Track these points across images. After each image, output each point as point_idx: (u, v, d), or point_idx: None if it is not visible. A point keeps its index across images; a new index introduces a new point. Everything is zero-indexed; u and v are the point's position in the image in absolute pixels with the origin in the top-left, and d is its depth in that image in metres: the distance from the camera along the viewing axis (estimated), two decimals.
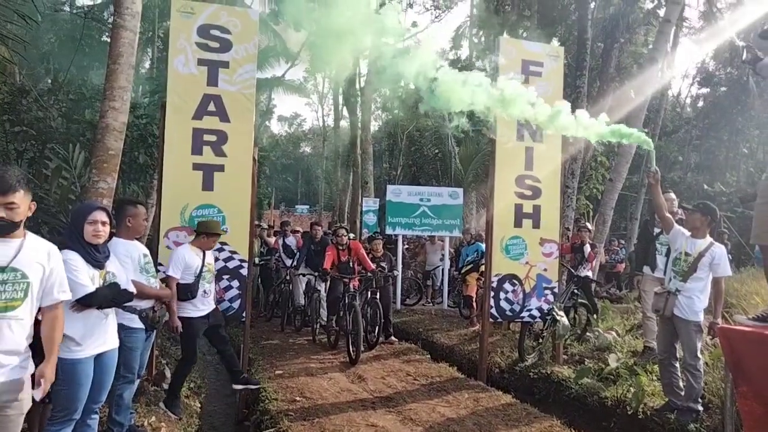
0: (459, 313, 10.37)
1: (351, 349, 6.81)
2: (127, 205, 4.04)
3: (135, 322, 3.79)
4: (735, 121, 25.63)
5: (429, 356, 7.37)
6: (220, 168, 5.43)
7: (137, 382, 4.15)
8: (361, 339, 6.85)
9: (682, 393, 4.70)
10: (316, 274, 8.56)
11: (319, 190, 41.44)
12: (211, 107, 5.40)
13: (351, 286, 7.39)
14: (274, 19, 23.04)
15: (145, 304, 3.85)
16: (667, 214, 4.92)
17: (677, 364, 4.80)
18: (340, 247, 7.82)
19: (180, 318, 4.52)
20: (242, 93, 5.51)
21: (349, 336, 6.93)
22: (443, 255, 12.05)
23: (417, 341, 8.60)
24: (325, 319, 8.23)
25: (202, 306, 4.72)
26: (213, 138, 5.41)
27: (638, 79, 11.53)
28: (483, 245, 8.34)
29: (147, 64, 16.74)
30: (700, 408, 4.61)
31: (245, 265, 5.55)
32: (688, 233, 4.77)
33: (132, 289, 3.48)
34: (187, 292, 4.60)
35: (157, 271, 4.45)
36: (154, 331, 4.16)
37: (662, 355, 4.89)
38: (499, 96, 3.93)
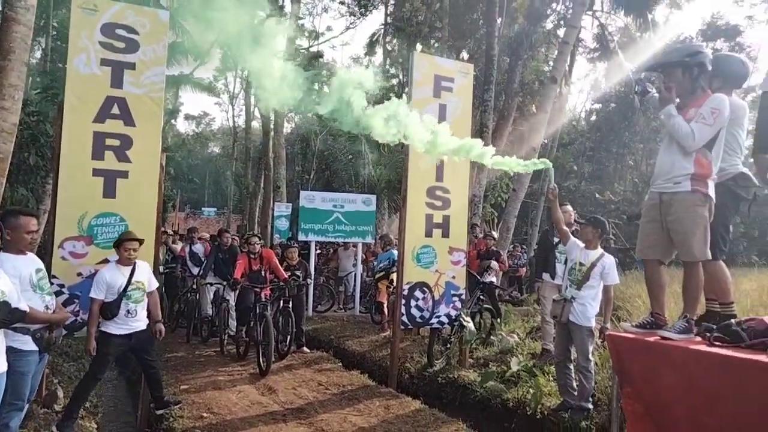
0: (371, 319, 10.50)
1: (261, 360, 6.69)
2: (7, 216, 3.65)
3: (28, 344, 3.48)
4: (622, 135, 28.03)
5: (341, 364, 7.40)
6: (124, 174, 5.13)
7: (26, 408, 3.83)
8: (272, 349, 6.75)
9: (576, 393, 5.07)
10: (225, 283, 8.31)
11: (228, 193, 40.13)
12: (115, 110, 5.09)
13: (262, 295, 7.27)
14: (182, 14, 22.07)
15: (39, 324, 3.56)
16: (564, 228, 5.30)
17: (572, 366, 5.18)
18: (252, 256, 7.66)
19: (99, 332, 4.40)
20: (149, 96, 5.25)
21: (260, 346, 6.81)
22: (356, 261, 12.15)
23: (329, 349, 8.60)
24: (234, 329, 8.02)
25: (124, 325, 4.55)
26: (116, 143, 5.10)
27: (540, 95, 12.32)
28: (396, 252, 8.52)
29: (38, 55, 15.42)
30: (591, 406, 5.01)
31: None
32: (582, 245, 5.17)
33: (24, 307, 3.21)
34: (108, 311, 4.43)
35: (51, 284, 4.15)
36: (48, 352, 3.87)
37: (558, 358, 5.26)
38: (430, 139, 4.05)
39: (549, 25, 17.50)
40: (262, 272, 7.61)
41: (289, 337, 7.57)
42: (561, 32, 15.29)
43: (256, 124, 26.18)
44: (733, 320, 3.19)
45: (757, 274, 11.97)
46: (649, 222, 3.47)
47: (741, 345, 2.96)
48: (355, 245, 12.23)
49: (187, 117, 47.89)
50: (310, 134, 24.04)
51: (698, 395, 3.04)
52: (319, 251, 14.34)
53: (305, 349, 8.11)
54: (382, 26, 23.02)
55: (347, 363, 7.59)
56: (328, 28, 29.87)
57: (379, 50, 25.58)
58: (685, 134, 3.22)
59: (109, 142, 5.08)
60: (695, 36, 26.11)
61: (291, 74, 3.68)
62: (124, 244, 4.58)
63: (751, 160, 3.47)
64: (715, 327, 3.16)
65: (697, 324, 3.38)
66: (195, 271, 9.42)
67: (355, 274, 12.09)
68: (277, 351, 7.30)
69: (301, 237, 11.43)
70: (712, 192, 3.28)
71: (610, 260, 5.07)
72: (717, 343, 3.05)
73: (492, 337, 7.85)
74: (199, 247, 9.76)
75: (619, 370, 3.58)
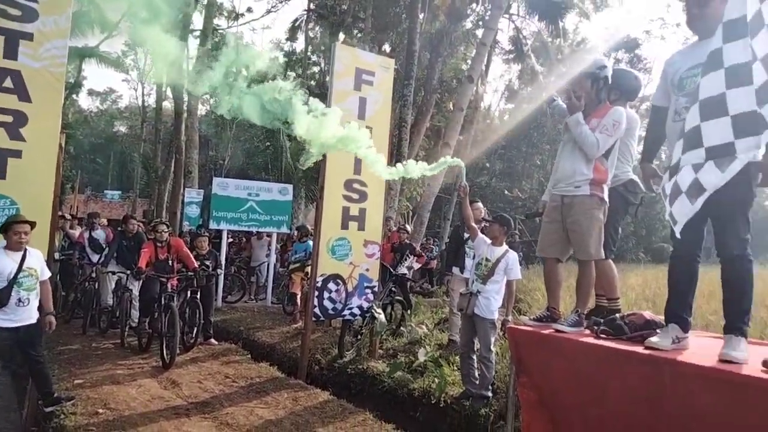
0: (283, 310, 10.38)
1: (165, 352, 6.44)
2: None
3: None
4: (532, 135, 29.46)
5: (249, 356, 7.27)
6: (17, 154, 4.71)
7: None
8: (176, 341, 6.51)
9: (477, 382, 5.32)
10: (129, 272, 7.89)
11: (134, 176, 37.90)
12: (8, 83, 4.65)
13: (169, 285, 6.98)
14: None
15: None
16: (473, 224, 5.51)
17: (474, 357, 5.42)
18: (159, 244, 7.33)
19: None
20: (49, 71, 4.84)
21: (164, 338, 6.55)
22: (270, 251, 11.94)
23: (238, 341, 8.42)
24: (137, 320, 7.64)
25: (15, 316, 4.23)
26: (8, 119, 4.67)
27: (458, 92, 12.65)
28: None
29: None
30: (490, 395, 5.28)
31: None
32: (489, 241, 5.40)
33: None
34: None
35: None
36: None
37: (463, 349, 5.49)
38: (342, 135, 3.95)
39: (469, 25, 18.02)
40: (170, 261, 7.31)
41: (195, 329, 7.33)
42: (480, 32, 15.82)
43: (167, 104, 24.91)
44: (617, 314, 3.48)
45: (642, 270, 13.12)
46: (550, 222, 3.70)
47: (623, 338, 3.24)
48: (269, 235, 12.02)
49: (91, 93, 44.58)
50: (226, 119, 23.22)
51: (586, 384, 3.29)
52: (231, 240, 13.95)
53: (213, 340, 7.89)
54: (305, 12, 22.64)
55: (257, 355, 7.47)
56: (249, 9, 28.73)
57: (301, 36, 25.15)
58: (591, 143, 3.46)
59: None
60: (600, 45, 27.96)
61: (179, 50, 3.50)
62: (13, 227, 4.23)
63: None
64: (602, 321, 3.44)
65: (587, 318, 3.65)
66: (95, 258, 8.86)
67: (268, 264, 11.88)
68: (182, 343, 7.06)
69: (213, 225, 11.06)
70: (606, 196, 3.55)
71: (513, 256, 5.35)
72: (603, 335, 3.31)
73: (402, 328, 8.03)
74: (100, 233, 9.17)
75: (517, 360, 3.80)
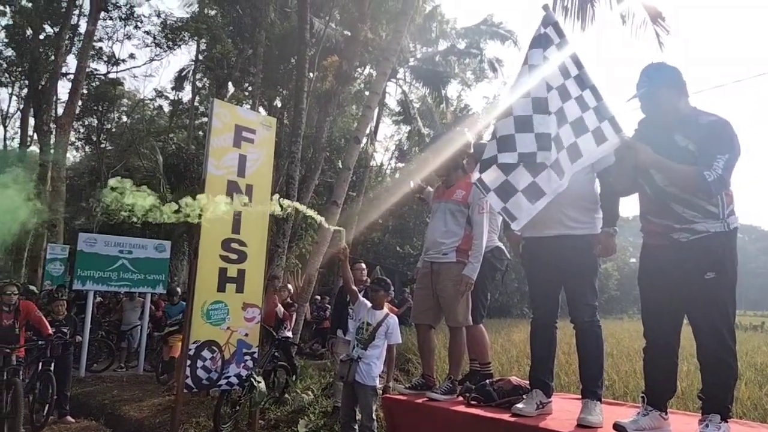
0: (156, 379, 9.52)
1: None
2: None
3: None
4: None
5: None
6: None
7: None
8: (20, 423, 5.70)
9: None
10: None
11: None
12: None
13: (13, 357, 6.14)
14: None
15: None
16: (353, 287, 5.45)
17: (356, 426, 5.24)
18: (6, 309, 6.49)
19: None
20: None
21: (5, 421, 5.70)
22: (143, 313, 11.02)
23: (101, 416, 7.54)
24: None
25: None
26: None
27: (345, 152, 12.87)
28: None
29: None
30: None
31: None
32: (369, 305, 5.36)
33: None
34: None
35: None
36: None
37: (344, 419, 5.28)
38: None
39: (357, 87, 18.67)
40: (15, 329, 6.47)
41: (48, 405, 6.49)
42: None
43: (35, 149, 22.89)
44: (487, 380, 3.55)
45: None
46: (421, 289, 3.75)
47: (492, 404, 3.29)
48: (142, 295, 11.11)
49: None
50: (101, 167, 21.73)
51: None
52: (100, 300, 12.75)
53: (69, 418, 7.05)
54: (192, 62, 22.23)
55: None
56: (131, 56, 27.69)
57: (188, 86, 24.59)
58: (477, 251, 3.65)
59: None
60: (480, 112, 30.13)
61: None
62: None
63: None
64: (473, 387, 3.48)
65: (461, 383, 3.68)
66: None
67: (141, 328, 10.93)
68: (30, 423, 6.25)
69: (77, 285, 10.03)
70: None
71: (394, 320, 5.32)
72: (473, 402, 3.35)
73: (286, 395, 7.66)
74: None
75: (392, 429, 3.72)
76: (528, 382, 3.26)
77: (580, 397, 3.11)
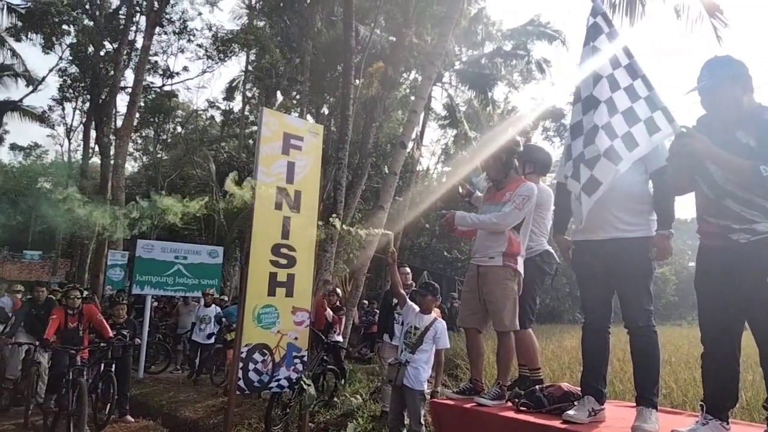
0: (210, 380, 9.82)
1: None
2: None
3: None
4: None
5: None
6: None
7: None
8: (84, 421, 5.97)
9: None
10: (38, 343, 7.28)
11: (56, 235, 35.80)
12: None
13: (78, 358, 6.46)
14: (16, 35, 20.07)
15: None
16: (401, 291, 5.47)
17: (405, 431, 5.23)
18: (70, 312, 6.84)
19: None
20: None
21: (71, 418, 5.99)
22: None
23: (158, 417, 7.83)
24: (44, 397, 7.00)
25: None
26: None
27: (391, 157, 12.94)
28: None
29: None
30: None
31: None
32: (418, 309, 5.36)
33: None
34: None
35: None
36: None
37: (392, 423, 5.30)
38: None
39: (403, 92, 18.72)
40: (79, 331, 6.81)
41: (109, 405, 6.78)
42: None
43: (96, 161, 24.09)
44: (537, 386, 3.47)
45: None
46: (468, 292, 3.72)
47: (542, 410, 3.22)
48: (197, 300, 11.50)
49: (14, 147, 42.36)
50: (158, 176, 22.62)
51: None
52: (157, 305, 13.25)
53: (129, 417, 7.32)
54: (242, 73, 22.86)
55: None
56: (185, 69, 28.79)
57: (239, 96, 25.29)
58: (489, 224, 3.61)
59: None
60: (529, 114, 29.64)
61: None
62: None
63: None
64: (522, 393, 3.42)
65: (510, 389, 3.63)
66: None
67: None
68: (93, 422, 6.51)
69: (136, 290, 10.48)
70: (521, 267, 3.62)
71: (442, 325, 5.30)
72: (523, 408, 3.29)
73: (335, 398, 7.73)
74: (5, 301, 8.51)
75: None
76: (580, 388, 3.18)
77: (635, 404, 3.01)
